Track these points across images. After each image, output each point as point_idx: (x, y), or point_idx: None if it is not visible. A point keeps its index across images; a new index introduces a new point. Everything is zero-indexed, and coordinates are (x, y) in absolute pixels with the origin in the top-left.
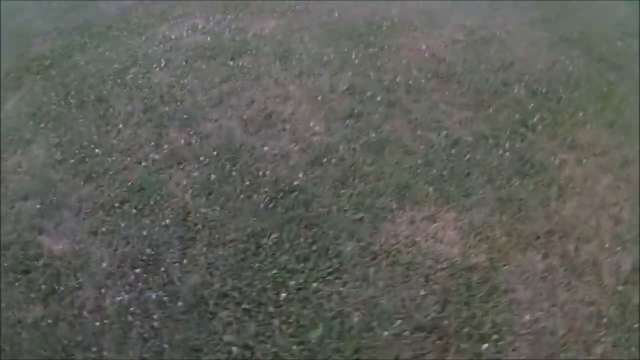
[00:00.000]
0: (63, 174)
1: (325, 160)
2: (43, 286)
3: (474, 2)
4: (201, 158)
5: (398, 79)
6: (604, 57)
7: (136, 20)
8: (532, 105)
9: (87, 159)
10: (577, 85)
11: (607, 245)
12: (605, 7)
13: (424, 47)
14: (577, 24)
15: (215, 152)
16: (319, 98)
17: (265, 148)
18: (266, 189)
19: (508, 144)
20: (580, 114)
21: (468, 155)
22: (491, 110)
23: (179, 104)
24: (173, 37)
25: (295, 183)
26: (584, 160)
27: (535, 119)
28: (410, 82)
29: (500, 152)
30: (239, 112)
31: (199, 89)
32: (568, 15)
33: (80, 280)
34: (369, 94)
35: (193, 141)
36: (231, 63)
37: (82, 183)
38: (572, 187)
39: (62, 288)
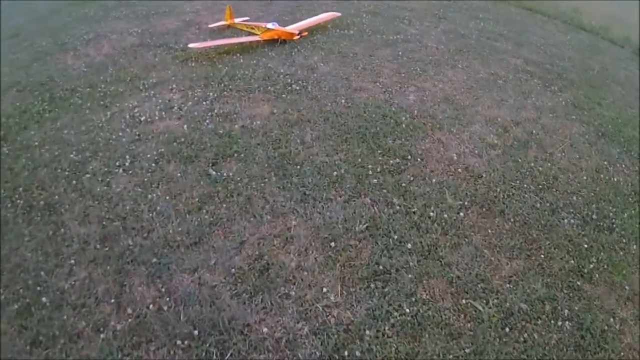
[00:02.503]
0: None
1: (346, 352)
2: None
3: (498, 83)
4: (177, 340)
5: (430, 211)
6: None
7: (103, 87)
8: (585, 242)
9: (32, 310)
10: (626, 203)
11: None
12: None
13: (455, 157)
14: (610, 110)
15: (196, 331)
16: (332, 244)
17: (265, 329)
18: None
19: (566, 309)
20: (634, 246)
21: (524, 334)
22: (543, 256)
23: (145, 234)
24: (143, 118)
25: None
26: None
27: (591, 265)
28: (445, 215)
29: (560, 322)
30: (226, 260)
31: (171, 212)
32: (597, 94)
33: None
34: (395, 236)
35: (165, 306)
36: (213, 172)
37: (27, 347)
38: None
39: None
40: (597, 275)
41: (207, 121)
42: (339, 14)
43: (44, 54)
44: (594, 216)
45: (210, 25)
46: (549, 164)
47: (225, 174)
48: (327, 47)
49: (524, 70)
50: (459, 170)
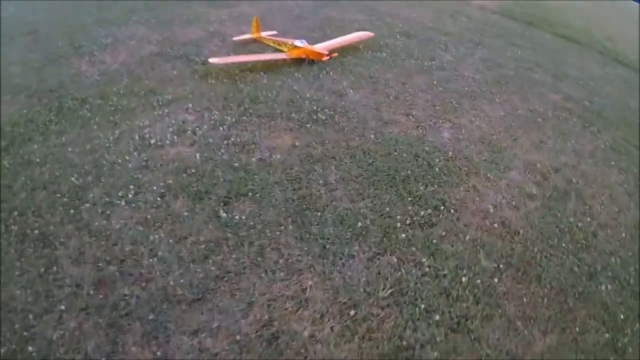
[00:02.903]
0: None
1: None
2: None
3: (538, 122)
4: None
5: (463, 275)
6: None
7: (115, 100)
8: (621, 311)
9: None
10: None
11: None
12: None
13: (491, 209)
14: None
15: None
16: (352, 312)
17: None
18: None
19: None
20: None
21: None
22: (578, 329)
23: (143, 284)
24: (152, 141)
25: None
26: None
27: (625, 339)
28: (478, 279)
29: None
30: (231, 323)
31: (174, 259)
32: (635, 136)
33: None
34: (422, 304)
35: None
36: (223, 214)
37: None
38: None
39: None
40: (630, 349)
41: (222, 150)
42: (372, 34)
43: (58, 57)
44: (632, 280)
45: (235, 38)
46: (588, 219)
47: (237, 216)
48: (357, 71)
49: (563, 108)
50: (495, 225)
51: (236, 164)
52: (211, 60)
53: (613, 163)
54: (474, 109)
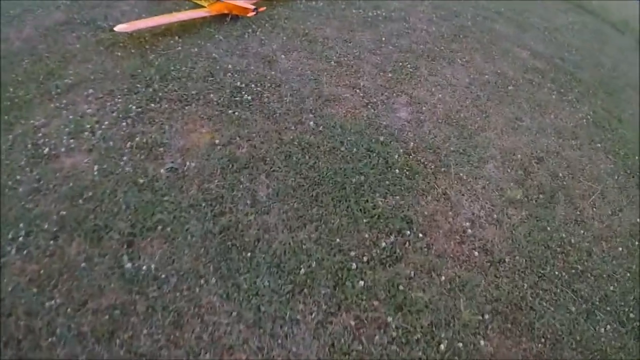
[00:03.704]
0: None
1: None
2: None
3: (509, 91)
4: None
5: (440, 335)
6: None
7: (12, 90)
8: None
9: None
10: None
11: None
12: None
13: (468, 227)
14: (631, 130)
15: None
16: None
17: None
18: None
19: None
20: None
21: None
22: None
23: None
24: (46, 150)
25: None
26: None
27: None
28: (459, 343)
29: None
30: None
31: (74, 340)
32: (615, 105)
33: None
34: None
35: None
36: (128, 263)
37: None
38: None
39: None
40: None
41: (125, 158)
42: None
43: None
44: (631, 314)
45: None
46: (582, 231)
47: (144, 266)
48: (289, 27)
49: (533, 68)
50: (475, 252)
51: (141, 180)
52: (117, 28)
53: (599, 145)
54: (434, 75)
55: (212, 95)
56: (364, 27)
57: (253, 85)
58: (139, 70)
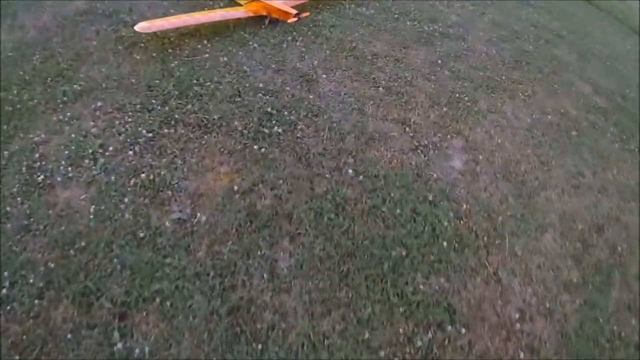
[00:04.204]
0: None
1: None
2: None
3: (572, 136)
4: None
5: None
6: None
7: (15, 92)
8: None
9: None
10: None
11: None
12: None
13: (516, 321)
14: None
15: None
16: None
17: None
18: None
19: None
20: None
21: None
22: None
23: None
24: (41, 177)
25: None
26: None
27: None
28: None
29: None
30: None
31: None
32: None
33: None
34: None
35: None
36: (119, 342)
37: None
38: None
39: None
40: None
41: (126, 200)
42: None
43: None
44: None
45: None
46: (633, 320)
47: (137, 347)
48: (334, 38)
49: (596, 108)
50: (521, 352)
51: (142, 233)
52: (138, 27)
53: None
54: (493, 112)
55: (236, 122)
56: (419, 44)
57: (286, 113)
58: (157, 81)
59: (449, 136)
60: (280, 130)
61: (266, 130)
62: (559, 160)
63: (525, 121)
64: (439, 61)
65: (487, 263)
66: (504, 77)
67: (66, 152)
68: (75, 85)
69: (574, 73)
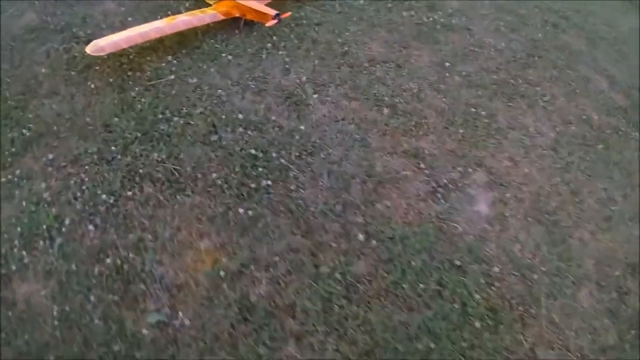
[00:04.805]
0: None
1: None
2: None
3: (598, 151)
4: None
5: None
6: None
7: None
8: None
9: None
10: None
11: None
12: None
13: None
14: None
15: None
16: None
17: None
18: None
19: None
20: None
21: None
22: None
23: None
24: None
25: None
26: None
27: None
28: None
29: None
30: None
31: None
32: None
33: None
34: None
35: None
36: None
37: None
38: None
39: None
40: None
41: (92, 298)
42: None
43: None
44: None
45: None
46: None
47: None
48: (322, 40)
49: (615, 107)
50: None
51: (116, 347)
52: (90, 49)
53: None
54: (513, 127)
55: (214, 174)
56: (420, 41)
57: (274, 154)
58: (116, 119)
59: (470, 169)
60: (269, 181)
61: (252, 184)
62: (589, 185)
63: (549, 137)
64: (446, 64)
65: (523, 338)
66: (519, 79)
67: (18, 228)
68: (24, 130)
69: (587, 65)
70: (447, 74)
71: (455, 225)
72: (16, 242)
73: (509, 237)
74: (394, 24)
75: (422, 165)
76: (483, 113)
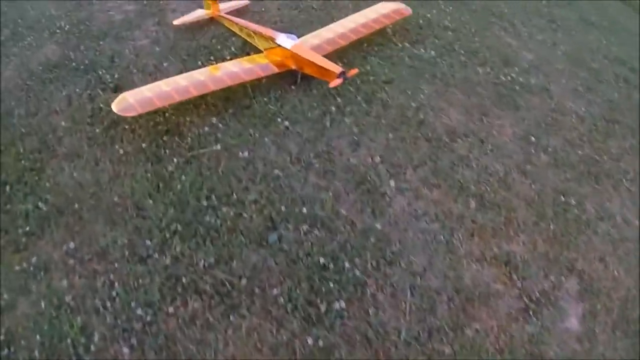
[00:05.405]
0: None
1: None
2: None
3: None
4: None
5: None
6: None
7: None
8: None
9: None
10: None
11: None
12: None
13: None
14: None
15: None
16: None
17: None
18: None
19: None
20: None
21: None
22: None
23: None
24: None
25: None
26: None
27: None
28: None
29: None
30: None
31: None
32: None
33: None
34: None
35: None
36: None
37: None
38: None
39: None
40: None
41: None
42: (405, 9)
43: None
44: None
45: (177, 22)
46: None
47: None
48: (394, 105)
49: None
50: None
51: None
52: (117, 107)
53: None
54: (602, 217)
55: (275, 289)
56: (499, 105)
57: (347, 264)
58: (150, 200)
59: (562, 277)
60: (342, 302)
61: (322, 305)
62: None
63: (634, 225)
64: (531, 137)
65: None
66: (602, 154)
67: (38, 336)
68: (40, 203)
69: None
70: (533, 151)
71: (547, 349)
72: (36, 353)
73: (597, 355)
74: (470, 83)
75: (514, 276)
76: (573, 202)
